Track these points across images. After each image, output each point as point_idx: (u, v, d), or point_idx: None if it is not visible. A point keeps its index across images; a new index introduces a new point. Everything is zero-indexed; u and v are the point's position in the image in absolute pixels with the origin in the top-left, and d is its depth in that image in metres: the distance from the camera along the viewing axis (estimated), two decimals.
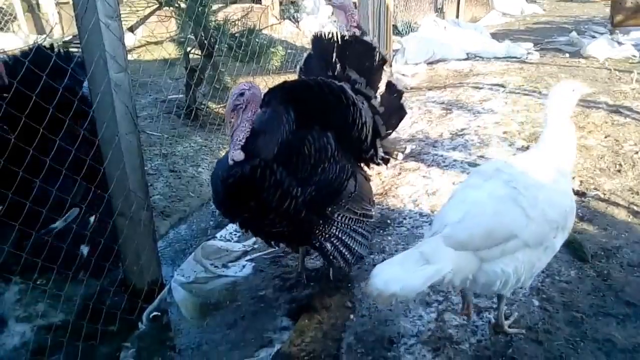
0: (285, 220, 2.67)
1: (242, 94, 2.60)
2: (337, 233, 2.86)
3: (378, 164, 3.24)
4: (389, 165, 3.37)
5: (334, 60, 3.18)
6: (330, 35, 3.22)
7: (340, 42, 3.15)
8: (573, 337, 2.69)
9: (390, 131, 3.27)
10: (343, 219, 2.88)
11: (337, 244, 2.87)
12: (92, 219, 3.27)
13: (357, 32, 3.94)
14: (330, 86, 2.85)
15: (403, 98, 3.31)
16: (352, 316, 2.97)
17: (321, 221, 2.77)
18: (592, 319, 2.82)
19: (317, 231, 2.78)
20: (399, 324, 2.86)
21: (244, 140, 2.60)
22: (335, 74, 3.15)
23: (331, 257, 2.88)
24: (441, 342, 2.72)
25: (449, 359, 2.61)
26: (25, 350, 2.91)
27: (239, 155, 2.59)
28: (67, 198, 2.95)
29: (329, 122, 2.81)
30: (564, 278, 3.16)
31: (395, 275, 2.14)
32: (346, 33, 3.62)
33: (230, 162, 2.60)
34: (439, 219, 2.42)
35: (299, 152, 2.67)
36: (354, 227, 2.96)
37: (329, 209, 2.79)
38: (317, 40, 3.29)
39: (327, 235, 2.83)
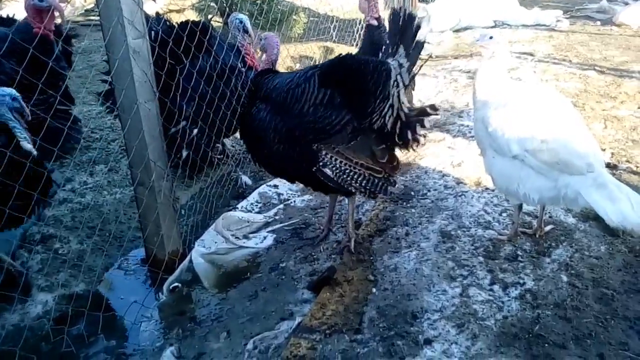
0: (276, 149, 3.10)
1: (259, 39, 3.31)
2: (333, 162, 3.02)
3: (408, 126, 3.04)
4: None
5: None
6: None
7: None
8: (603, 315, 2.61)
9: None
10: (333, 160, 3.01)
11: (337, 172, 3.02)
12: (195, 130, 4.05)
13: (375, 23, 4.06)
14: (355, 59, 3.13)
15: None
16: (374, 289, 2.92)
17: (308, 154, 3.03)
18: (623, 296, 2.73)
19: (301, 162, 3.07)
20: (422, 299, 2.80)
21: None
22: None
23: (336, 178, 3.03)
24: (465, 317, 2.65)
25: (473, 335, 2.54)
26: (47, 320, 2.91)
27: None
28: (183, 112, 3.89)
29: (346, 87, 3.00)
30: (594, 253, 3.06)
31: (626, 208, 2.55)
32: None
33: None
34: (583, 157, 2.70)
35: (281, 91, 3.10)
36: (350, 169, 3.02)
37: (315, 145, 3.00)
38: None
39: (320, 165, 3.03)
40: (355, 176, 3.03)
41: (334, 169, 3.02)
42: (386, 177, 3.09)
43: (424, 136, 3.10)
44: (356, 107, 2.97)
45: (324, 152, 3.01)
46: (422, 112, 3.02)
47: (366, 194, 3.13)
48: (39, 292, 3.11)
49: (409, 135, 3.02)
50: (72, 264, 3.26)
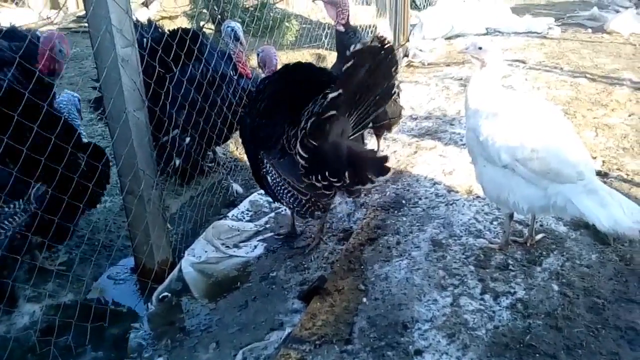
0: (247, 149, 3.36)
1: (257, 54, 3.55)
2: (271, 172, 3.09)
3: (310, 173, 2.89)
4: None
5: None
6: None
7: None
8: (594, 324, 2.60)
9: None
10: (271, 171, 3.09)
11: (274, 183, 3.12)
12: (187, 139, 3.99)
13: (342, 29, 3.90)
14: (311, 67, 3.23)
15: None
16: (364, 299, 2.89)
17: (257, 158, 3.17)
18: (614, 305, 2.72)
19: (255, 164, 3.23)
20: (413, 309, 2.78)
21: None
22: None
23: (273, 188, 3.14)
24: (456, 327, 2.63)
25: (464, 346, 2.52)
26: (33, 330, 2.88)
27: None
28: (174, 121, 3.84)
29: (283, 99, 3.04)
30: (585, 262, 3.05)
31: (618, 213, 2.54)
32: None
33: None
34: (573, 166, 2.69)
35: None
36: (282, 184, 3.06)
37: (261, 152, 3.12)
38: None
39: (264, 171, 3.15)
40: (286, 192, 3.07)
41: (272, 179, 3.10)
42: (314, 202, 3.07)
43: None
44: (285, 122, 2.96)
45: (265, 161, 3.09)
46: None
47: (294, 212, 3.23)
48: (25, 302, 3.08)
49: (313, 180, 2.87)
50: (60, 274, 3.22)
